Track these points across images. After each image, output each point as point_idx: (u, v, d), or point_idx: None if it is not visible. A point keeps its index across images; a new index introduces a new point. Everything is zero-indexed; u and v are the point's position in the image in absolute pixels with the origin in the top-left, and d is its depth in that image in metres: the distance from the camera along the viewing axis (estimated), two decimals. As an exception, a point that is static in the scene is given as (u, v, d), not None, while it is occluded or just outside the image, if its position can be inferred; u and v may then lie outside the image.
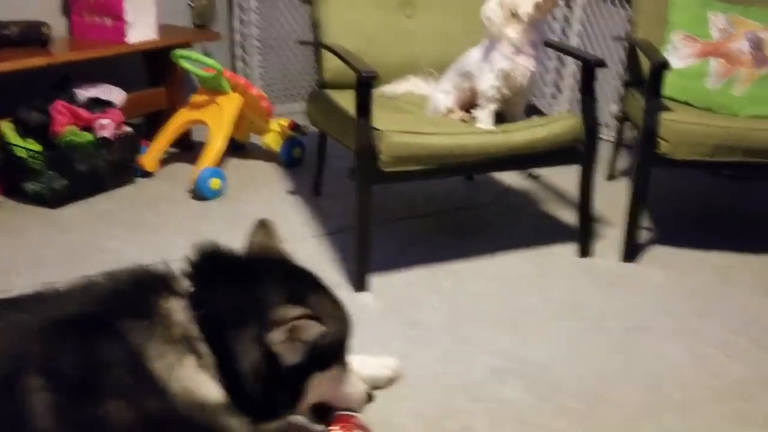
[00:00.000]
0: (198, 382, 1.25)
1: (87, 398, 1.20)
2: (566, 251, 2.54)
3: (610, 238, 2.63)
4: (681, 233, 2.71)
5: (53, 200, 2.77)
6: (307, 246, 2.50)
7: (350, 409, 1.49)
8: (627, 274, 2.39)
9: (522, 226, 2.77)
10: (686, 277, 2.37)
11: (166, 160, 3.27)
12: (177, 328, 1.27)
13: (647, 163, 2.38)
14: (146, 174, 3.13)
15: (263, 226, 1.52)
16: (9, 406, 1.18)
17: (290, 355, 1.28)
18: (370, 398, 1.53)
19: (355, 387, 1.50)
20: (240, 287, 1.32)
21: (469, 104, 2.48)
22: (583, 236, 2.51)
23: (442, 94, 2.51)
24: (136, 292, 1.32)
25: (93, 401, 1.20)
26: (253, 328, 1.27)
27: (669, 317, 2.11)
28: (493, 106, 2.38)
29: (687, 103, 2.63)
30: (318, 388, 1.38)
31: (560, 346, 1.95)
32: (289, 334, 1.26)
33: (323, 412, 1.48)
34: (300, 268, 1.46)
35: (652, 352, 1.93)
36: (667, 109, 2.42)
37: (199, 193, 2.91)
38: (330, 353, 1.37)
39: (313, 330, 1.28)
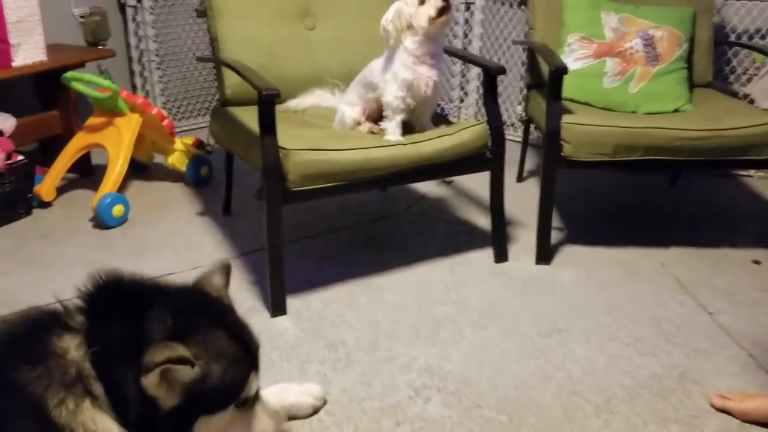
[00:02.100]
0: (99, 423, 1.19)
1: None
2: (482, 257, 2.56)
3: (524, 241, 2.67)
4: (591, 231, 2.77)
5: (-60, 238, 2.58)
6: (219, 270, 2.41)
7: None
8: (540, 277, 2.42)
9: (438, 234, 2.77)
10: (595, 275, 2.42)
11: (65, 188, 3.11)
12: (72, 368, 1.20)
13: (552, 165, 2.42)
14: (44, 204, 2.96)
15: (221, 265, 1.45)
16: None
17: (167, 399, 1.19)
18: None
19: (262, 426, 1.41)
20: (130, 322, 1.23)
21: (376, 115, 2.46)
22: (498, 241, 2.54)
23: (348, 107, 2.48)
24: (30, 336, 1.24)
25: None
26: (132, 369, 1.18)
27: (580, 318, 2.15)
28: (399, 117, 2.37)
29: (587, 104, 2.70)
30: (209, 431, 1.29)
31: (479, 356, 1.95)
32: (161, 377, 1.18)
33: None
34: (207, 301, 1.37)
35: (567, 355, 1.96)
36: (568, 111, 2.47)
37: (101, 221, 2.77)
38: (219, 396, 1.26)
39: (185, 374, 1.19)
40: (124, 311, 1.26)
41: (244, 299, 2.25)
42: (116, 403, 1.21)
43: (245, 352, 1.32)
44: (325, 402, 1.75)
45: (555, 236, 2.64)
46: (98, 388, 1.21)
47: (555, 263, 2.51)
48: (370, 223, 2.91)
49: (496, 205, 2.50)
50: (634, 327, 2.10)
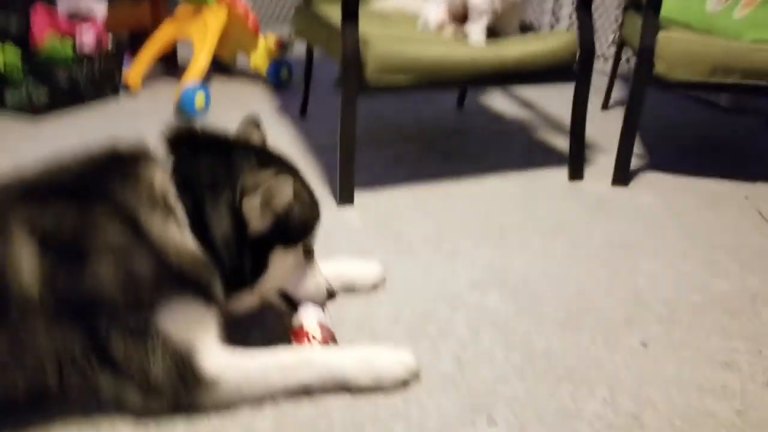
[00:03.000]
0: (184, 240, 1.27)
1: (78, 258, 1.18)
2: (556, 175, 2.50)
3: (602, 165, 2.58)
4: (673, 160, 2.66)
5: (32, 110, 2.70)
6: (291, 162, 2.45)
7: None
8: (616, 198, 2.34)
9: (512, 151, 2.72)
10: (674, 201, 2.33)
11: (151, 77, 3.19)
12: (158, 192, 1.28)
13: (643, 82, 2.32)
14: (130, 90, 3.05)
15: (251, 121, 1.52)
16: None
17: (259, 222, 1.29)
18: (331, 296, 1.51)
19: (316, 280, 1.48)
20: (216, 157, 1.32)
21: (461, 18, 2.40)
22: (574, 160, 2.47)
23: (434, 5, 2.42)
24: (119, 161, 1.32)
25: (84, 261, 1.18)
26: (226, 193, 1.27)
27: (654, 238, 2.08)
28: (485, 20, 2.30)
29: (687, 25, 2.55)
30: (280, 265, 1.37)
31: (543, 261, 1.92)
32: (261, 199, 1.27)
33: (292, 304, 1.47)
34: (278, 154, 1.46)
35: (636, 268, 1.90)
36: (665, 28, 2.34)
37: (183, 110, 2.84)
38: (296, 232, 1.37)
39: (284, 197, 1.30)
40: (204, 150, 1.34)
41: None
42: (198, 228, 1.27)
43: (314, 198, 1.44)
44: (383, 281, 1.76)
45: (635, 162, 2.54)
46: (181, 211, 1.28)
47: (632, 186, 2.43)
48: (444, 136, 2.87)
49: (577, 120, 2.42)
50: (709, 251, 2.01)
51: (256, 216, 1.28)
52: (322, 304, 1.49)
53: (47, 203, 1.22)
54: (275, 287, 1.44)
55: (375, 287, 1.74)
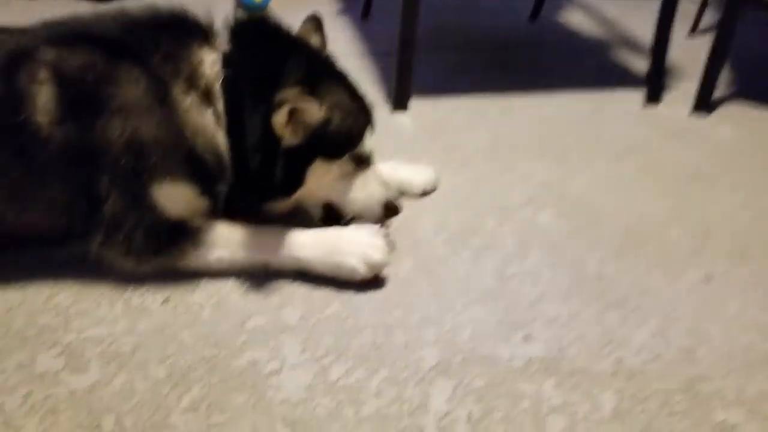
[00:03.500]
0: (215, 133, 1.24)
1: (94, 108, 1.15)
2: (631, 98, 2.31)
3: (682, 90, 2.38)
4: (761, 92, 2.43)
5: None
6: (348, 63, 2.32)
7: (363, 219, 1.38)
8: (693, 127, 2.15)
9: (584, 69, 2.53)
10: (759, 135, 2.12)
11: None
12: (202, 80, 1.24)
13: (736, 3, 2.08)
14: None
15: (312, 22, 1.45)
16: (8, 87, 1.14)
17: (290, 138, 1.23)
18: (393, 211, 1.39)
19: (368, 192, 1.37)
20: (268, 61, 1.24)
21: None
22: (652, 82, 2.27)
23: None
24: (175, 31, 1.27)
25: (98, 112, 1.15)
26: (262, 104, 1.20)
27: (731, 171, 1.90)
28: None
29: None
30: (320, 178, 1.30)
31: (606, 185, 1.78)
32: (289, 117, 1.21)
33: (335, 218, 1.39)
34: (330, 60, 1.39)
35: (708, 201, 1.74)
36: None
37: (244, 3, 2.73)
38: (337, 142, 1.29)
39: (312, 115, 1.23)
40: (262, 49, 1.27)
41: (367, 94, 2.15)
42: (233, 129, 1.23)
43: (362, 107, 1.35)
44: (435, 187, 1.66)
45: (719, 91, 2.32)
46: (220, 107, 1.23)
47: (713, 116, 2.22)
48: (514, 48, 2.69)
49: (660, 39, 2.21)
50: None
51: (285, 131, 1.21)
52: (379, 222, 1.38)
53: (76, 49, 1.18)
54: (317, 199, 1.36)
55: (425, 193, 1.64)
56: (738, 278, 1.45)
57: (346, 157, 1.32)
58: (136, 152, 1.16)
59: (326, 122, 1.25)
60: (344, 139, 1.30)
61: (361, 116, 1.34)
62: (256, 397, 1.02)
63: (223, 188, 1.28)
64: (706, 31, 2.99)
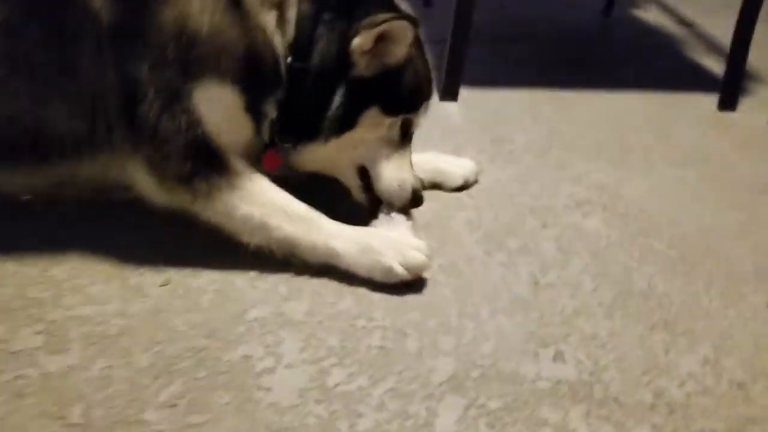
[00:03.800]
0: (277, 42, 1.15)
1: None
2: (704, 100, 2.12)
3: (761, 96, 2.17)
4: None
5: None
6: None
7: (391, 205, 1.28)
8: (771, 136, 1.96)
9: (656, 69, 2.35)
10: None
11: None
12: None
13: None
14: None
15: None
16: None
17: (364, 67, 1.16)
18: (417, 201, 1.29)
19: (402, 175, 1.27)
20: None
21: None
22: (728, 86, 2.08)
23: None
24: None
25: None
26: (342, 21, 1.15)
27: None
28: None
29: None
30: (369, 130, 1.21)
31: (665, 192, 1.61)
32: (373, 44, 1.14)
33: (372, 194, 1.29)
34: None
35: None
36: None
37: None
38: (401, 98, 1.22)
39: (398, 50, 1.17)
40: None
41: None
42: (300, 42, 1.15)
43: (429, 76, 1.30)
44: (476, 181, 1.53)
45: (806, 99, 2.11)
46: (293, 14, 1.15)
47: (797, 126, 2.02)
48: (581, 42, 2.52)
49: (739, 40, 2.01)
50: None
51: (362, 59, 1.15)
52: (404, 209, 1.28)
53: None
54: (355, 156, 1.25)
55: (464, 187, 1.51)
56: (809, 307, 1.27)
57: (399, 118, 1.24)
58: (186, 40, 1.06)
59: (403, 67, 1.19)
60: (409, 96, 1.24)
61: (428, 83, 1.29)
62: (241, 398, 0.92)
63: (270, 110, 1.17)
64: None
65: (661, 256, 1.37)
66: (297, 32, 1.14)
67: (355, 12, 1.14)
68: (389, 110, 1.21)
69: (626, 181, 1.63)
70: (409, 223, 1.27)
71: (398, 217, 1.27)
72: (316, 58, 1.14)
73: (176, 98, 1.07)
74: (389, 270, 1.15)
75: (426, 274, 1.21)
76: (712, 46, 2.59)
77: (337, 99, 1.15)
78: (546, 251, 1.35)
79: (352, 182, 1.29)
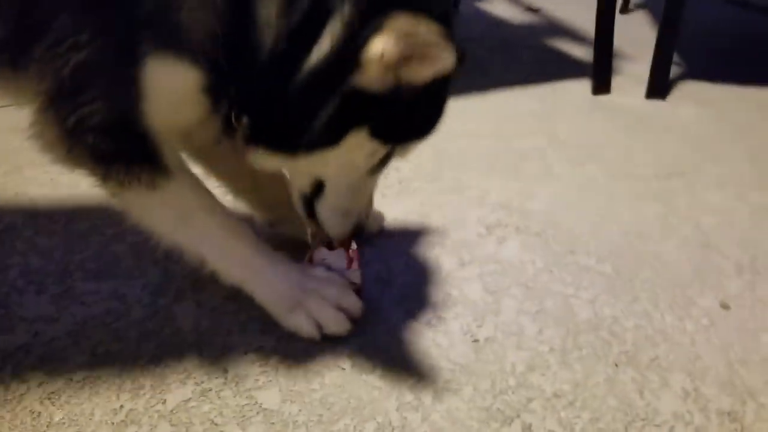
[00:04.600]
0: (261, 27, 0.84)
1: None
2: (578, 87, 2.04)
3: (629, 74, 2.13)
4: (717, 67, 2.20)
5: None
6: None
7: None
8: (654, 113, 1.89)
9: (521, 62, 2.24)
10: (726, 114, 1.88)
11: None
12: None
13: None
14: None
15: None
16: None
17: (375, 77, 0.84)
18: (358, 231, 1.09)
19: (360, 199, 1.06)
20: None
21: None
22: (600, 70, 2.00)
23: None
24: None
25: None
26: (355, 11, 0.81)
27: (712, 162, 1.64)
28: None
29: None
30: (349, 151, 0.94)
31: (574, 196, 1.48)
32: (397, 43, 0.81)
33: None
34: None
35: (696, 202, 1.47)
36: None
37: None
38: (397, 126, 0.93)
39: (439, 60, 0.84)
40: None
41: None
42: (301, 36, 0.83)
43: (441, 108, 0.98)
44: (381, 229, 1.33)
45: (672, 71, 2.07)
46: None
47: (672, 99, 1.97)
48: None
49: (603, 22, 1.94)
50: (784, 175, 1.58)
51: (379, 68, 0.83)
52: (343, 239, 1.11)
53: None
54: (318, 171, 1.01)
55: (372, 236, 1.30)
56: (757, 297, 1.16)
57: (388, 147, 0.97)
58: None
59: (420, 92, 0.88)
60: (409, 127, 0.96)
61: (439, 117, 0.99)
62: None
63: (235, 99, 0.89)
64: (639, 6, 2.77)
65: (594, 274, 1.22)
66: (302, 18, 0.84)
67: (387, 10, 0.82)
68: (380, 136, 0.95)
69: (530, 193, 1.48)
70: (351, 271, 1.10)
71: (338, 265, 1.10)
72: (315, 55, 0.84)
73: (119, 59, 0.82)
74: (297, 328, 1.01)
75: (346, 363, 0.98)
76: (565, 29, 2.53)
77: (327, 110, 0.87)
78: (473, 296, 1.16)
79: (298, 195, 1.07)
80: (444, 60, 0.84)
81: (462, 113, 1.86)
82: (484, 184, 1.51)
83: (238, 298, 1.06)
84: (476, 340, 1.06)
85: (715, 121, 1.84)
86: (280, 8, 0.82)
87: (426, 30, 0.80)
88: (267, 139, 0.92)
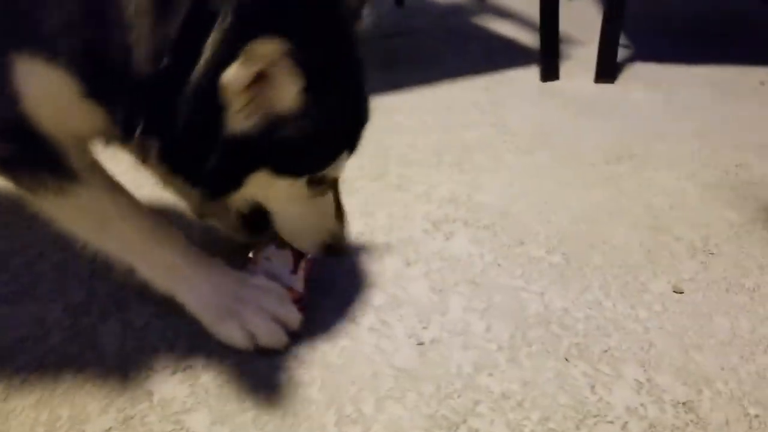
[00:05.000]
0: (132, 14, 0.73)
1: None
2: (525, 75, 2.00)
3: (577, 59, 2.09)
4: (665, 47, 2.18)
5: None
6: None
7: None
8: (604, 97, 1.86)
9: (467, 51, 2.20)
10: (677, 95, 1.86)
11: None
12: None
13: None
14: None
15: None
16: None
17: (239, 117, 0.76)
18: (336, 252, 1.03)
19: (315, 222, 0.99)
20: None
21: None
22: (547, 55, 1.96)
23: None
24: None
25: None
26: (242, 34, 0.70)
27: (662, 141, 1.61)
28: None
29: None
30: (261, 190, 0.89)
31: (523, 186, 1.43)
32: (252, 82, 0.73)
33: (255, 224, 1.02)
34: (352, 32, 0.85)
35: (646, 184, 1.43)
36: None
37: None
38: (299, 158, 0.84)
39: (286, 90, 0.76)
40: None
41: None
42: (179, 52, 0.73)
43: (354, 120, 0.90)
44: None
45: (620, 54, 2.04)
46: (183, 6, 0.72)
47: (621, 82, 1.94)
48: (383, 40, 2.33)
49: (548, 6, 1.90)
50: (735, 153, 1.55)
51: (239, 100, 0.74)
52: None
53: None
54: (247, 201, 0.95)
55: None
56: (711, 279, 1.13)
57: (303, 180, 0.90)
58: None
59: (298, 116, 0.79)
60: (311, 155, 0.87)
61: (347, 132, 0.90)
62: None
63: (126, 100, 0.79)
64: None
65: (544, 265, 1.17)
66: (181, 31, 0.72)
67: (267, 22, 0.72)
68: (287, 173, 0.87)
69: (479, 185, 1.43)
70: (295, 277, 1.03)
71: (282, 269, 1.03)
72: (194, 75, 0.73)
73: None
74: (228, 339, 0.95)
75: (282, 377, 0.92)
76: (508, 15, 2.49)
77: (214, 154, 0.78)
78: (419, 296, 1.10)
79: (243, 212, 1.00)
80: (286, 83, 0.75)
81: (408, 107, 1.80)
82: (431, 179, 1.46)
83: (167, 315, 1.00)
84: (421, 343, 1.00)
85: (664, 102, 1.81)
86: (149, 5, 0.72)
87: (274, 50, 0.71)
88: (172, 164, 0.84)
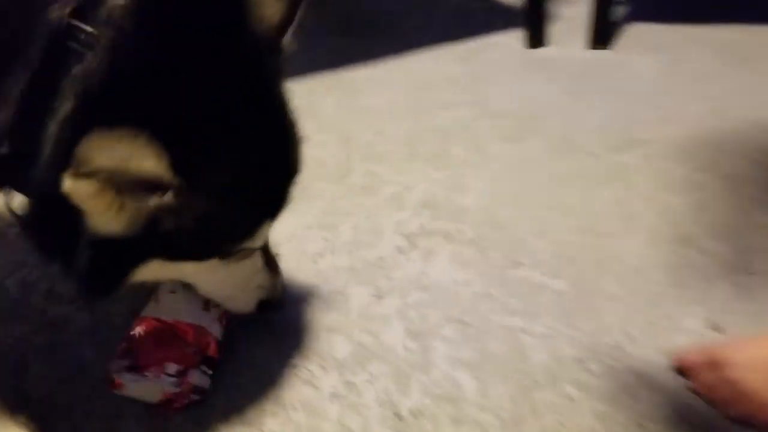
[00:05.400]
0: None
1: None
2: (508, 41, 1.74)
3: (570, 19, 1.83)
4: (663, 5, 1.93)
5: None
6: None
7: None
8: (599, 66, 1.61)
9: (440, 14, 1.93)
10: (683, 62, 1.61)
11: None
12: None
13: None
14: None
15: None
16: None
17: (101, 220, 0.60)
18: (273, 306, 0.86)
19: (241, 284, 0.82)
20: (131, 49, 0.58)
21: None
22: (532, 17, 1.71)
23: None
24: None
25: None
26: (54, 152, 0.58)
27: (670, 123, 1.38)
28: None
29: None
30: (161, 272, 0.74)
31: (514, 184, 1.20)
32: (102, 185, 0.58)
33: None
34: (249, 72, 0.67)
35: (658, 177, 1.20)
36: None
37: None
38: (195, 243, 0.68)
39: (152, 184, 0.59)
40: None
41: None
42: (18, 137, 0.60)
43: (270, 185, 0.73)
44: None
45: (614, 12, 1.79)
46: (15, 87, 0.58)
47: (618, 47, 1.69)
48: (342, 3, 2.04)
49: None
50: (761, 134, 1.32)
51: (97, 208, 0.59)
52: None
53: None
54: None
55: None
56: (753, 310, 0.91)
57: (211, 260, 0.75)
58: None
59: (181, 210, 0.62)
60: (213, 240, 0.71)
61: (262, 198, 0.72)
62: None
63: None
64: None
65: (546, 294, 0.95)
66: (15, 117, 0.59)
67: (118, 104, 0.58)
68: (183, 258, 0.72)
69: (460, 185, 1.19)
70: (208, 315, 0.84)
71: (190, 305, 0.84)
72: (37, 177, 0.61)
73: None
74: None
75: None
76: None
77: (84, 251, 0.63)
78: (393, 344, 0.87)
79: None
80: (153, 179, 0.58)
81: (372, 85, 1.54)
82: (403, 177, 1.22)
83: None
84: (398, 415, 0.77)
85: (668, 72, 1.57)
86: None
87: (100, 157, 0.55)
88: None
